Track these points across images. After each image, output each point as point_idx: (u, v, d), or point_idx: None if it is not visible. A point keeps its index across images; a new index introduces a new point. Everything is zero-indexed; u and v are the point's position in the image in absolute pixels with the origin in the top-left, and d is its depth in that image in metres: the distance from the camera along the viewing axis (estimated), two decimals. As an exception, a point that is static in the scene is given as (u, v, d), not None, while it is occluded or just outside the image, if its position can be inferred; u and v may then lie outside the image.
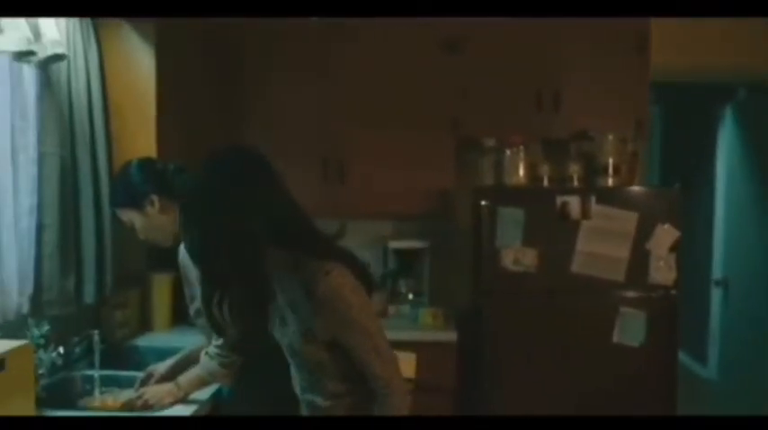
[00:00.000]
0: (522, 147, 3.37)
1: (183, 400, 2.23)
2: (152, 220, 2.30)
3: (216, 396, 2.35)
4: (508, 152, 3.39)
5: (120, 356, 2.83)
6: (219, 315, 1.72)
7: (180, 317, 3.28)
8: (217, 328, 1.82)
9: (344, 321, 1.70)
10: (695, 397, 3.24)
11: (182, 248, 2.21)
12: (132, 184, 2.28)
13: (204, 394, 2.30)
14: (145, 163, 2.35)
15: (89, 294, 2.65)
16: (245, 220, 1.61)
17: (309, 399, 1.86)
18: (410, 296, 3.70)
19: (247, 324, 1.80)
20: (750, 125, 4.65)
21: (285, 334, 1.80)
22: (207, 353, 2.18)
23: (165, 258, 2.95)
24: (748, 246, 4.54)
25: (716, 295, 5.04)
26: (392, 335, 3.17)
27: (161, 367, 2.42)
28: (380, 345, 1.74)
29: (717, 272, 5.04)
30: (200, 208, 1.65)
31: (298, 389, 1.91)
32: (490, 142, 3.47)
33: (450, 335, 3.29)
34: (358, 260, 1.82)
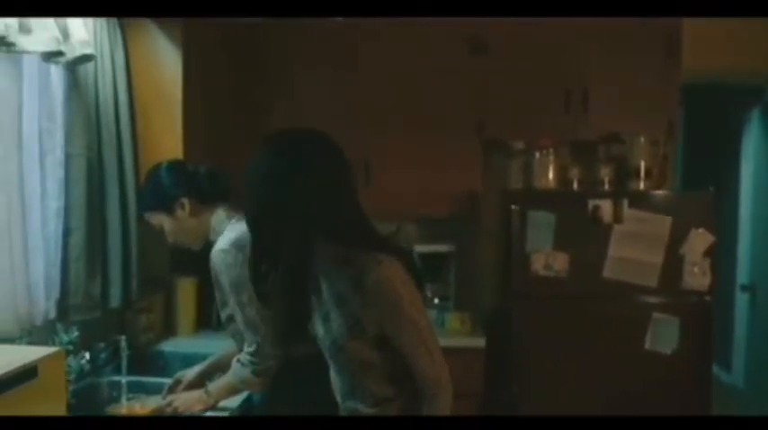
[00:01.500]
0: (551, 150, 3.31)
1: (213, 408, 2.19)
2: (182, 224, 2.25)
3: (246, 403, 2.30)
4: (537, 155, 3.33)
5: (145, 361, 2.79)
6: (265, 291, 1.75)
7: (204, 321, 3.25)
8: (263, 300, 1.84)
9: (394, 313, 1.65)
10: (720, 404, 3.17)
11: (213, 252, 2.17)
12: (162, 187, 2.24)
13: (234, 402, 2.25)
14: (175, 165, 2.30)
15: (115, 298, 2.60)
16: (305, 205, 1.60)
17: (352, 407, 1.80)
18: (435, 300, 3.64)
19: (288, 304, 1.75)
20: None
21: (329, 331, 1.74)
22: (239, 360, 2.14)
23: (188, 262, 2.92)
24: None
25: (742, 300, 4.97)
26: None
27: (189, 373, 2.38)
28: (430, 341, 1.70)
29: (743, 276, 4.97)
30: (265, 181, 1.63)
31: (339, 397, 1.86)
32: (519, 145, 3.41)
33: (478, 341, 3.24)
34: (409, 254, 1.82)
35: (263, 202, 1.62)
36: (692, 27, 3.44)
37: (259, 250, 1.70)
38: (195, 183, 2.25)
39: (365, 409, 1.76)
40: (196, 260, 2.49)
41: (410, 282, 1.69)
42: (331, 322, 1.73)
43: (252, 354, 2.09)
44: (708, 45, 3.64)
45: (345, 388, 1.81)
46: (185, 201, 2.23)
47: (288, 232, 1.62)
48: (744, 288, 4.84)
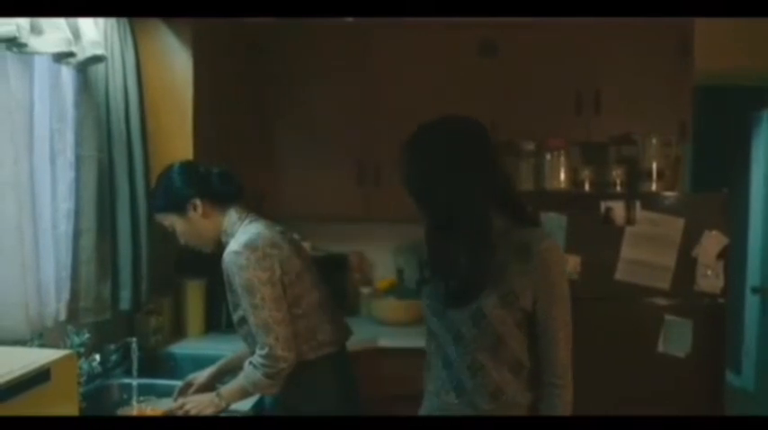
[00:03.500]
0: (562, 151, 3.28)
1: (225, 411, 2.17)
2: (194, 225, 2.24)
3: (258, 407, 2.29)
4: (548, 156, 3.30)
5: (155, 364, 2.79)
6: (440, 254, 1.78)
7: (213, 323, 3.24)
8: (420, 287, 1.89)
9: (553, 285, 1.71)
10: (730, 406, 3.14)
11: (225, 254, 2.15)
12: (174, 188, 2.22)
13: (246, 405, 2.23)
14: (187, 166, 2.29)
15: (125, 300, 2.59)
16: (484, 177, 1.72)
17: (468, 401, 1.76)
18: (445, 302, 3.62)
19: (463, 270, 1.73)
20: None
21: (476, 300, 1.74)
22: (251, 363, 2.12)
23: (198, 264, 2.91)
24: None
25: (752, 303, 4.94)
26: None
27: (200, 376, 2.37)
28: (569, 329, 1.74)
29: (754, 279, 4.94)
30: (445, 151, 1.74)
31: (448, 394, 1.80)
32: (529, 146, 3.37)
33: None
34: None
35: (444, 175, 1.71)
36: (702, 28, 3.42)
37: (435, 229, 1.78)
38: (207, 184, 2.24)
39: (483, 405, 1.74)
40: (205, 262, 2.48)
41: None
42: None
43: (264, 357, 2.07)
44: (718, 46, 3.62)
45: (464, 376, 1.77)
46: (197, 202, 2.21)
47: (470, 203, 1.70)
48: (754, 290, 4.81)
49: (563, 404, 1.71)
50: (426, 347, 1.91)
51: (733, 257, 3.10)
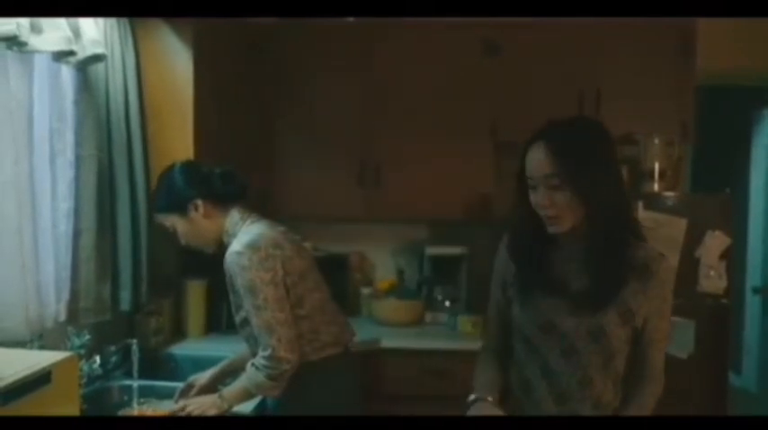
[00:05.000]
0: (564, 152, 3.26)
1: (227, 412, 2.15)
2: (196, 226, 2.22)
3: (260, 408, 2.27)
4: (550, 156, 3.28)
5: (156, 365, 2.77)
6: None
7: (214, 324, 3.22)
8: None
9: (665, 306, 1.73)
10: (731, 407, 3.13)
11: (227, 255, 2.14)
12: (176, 188, 2.20)
13: (248, 406, 2.22)
14: (189, 166, 2.27)
15: (125, 301, 2.57)
16: (619, 182, 1.69)
17: (572, 409, 1.72)
18: (446, 303, 3.61)
19: (588, 284, 1.69)
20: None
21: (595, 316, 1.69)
22: (254, 364, 2.10)
23: (198, 264, 2.90)
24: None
25: (753, 303, 4.93)
26: (430, 343, 3.15)
27: (202, 378, 2.36)
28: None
29: (754, 279, 4.93)
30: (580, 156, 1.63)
31: (550, 403, 1.74)
32: (531, 146, 3.36)
33: (491, 345, 3.20)
34: None
35: (595, 176, 1.62)
36: (704, 28, 3.40)
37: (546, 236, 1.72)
38: (209, 184, 2.22)
39: (584, 413, 1.72)
40: (206, 262, 2.46)
41: None
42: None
43: (267, 358, 2.06)
44: (719, 46, 3.61)
45: (569, 388, 1.72)
46: (199, 202, 2.19)
47: (612, 212, 1.65)
48: (755, 290, 4.80)
49: (650, 406, 1.74)
50: (512, 350, 1.84)
51: (734, 257, 3.08)
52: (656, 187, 3.21)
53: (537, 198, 1.65)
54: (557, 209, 1.63)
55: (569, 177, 1.59)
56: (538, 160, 1.63)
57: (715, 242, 3.03)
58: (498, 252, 1.89)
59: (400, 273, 3.82)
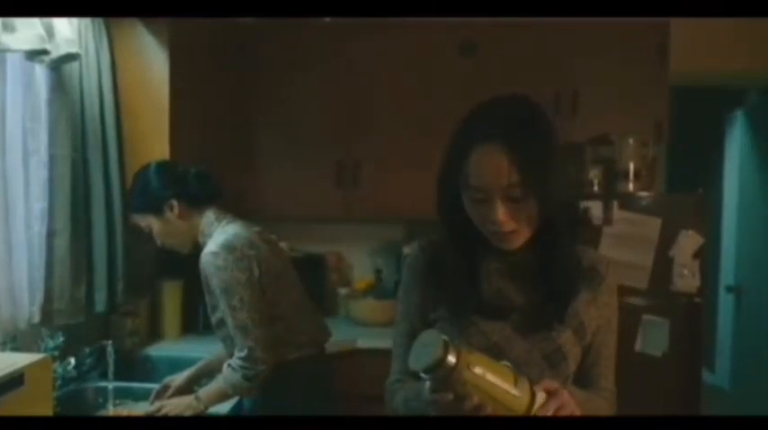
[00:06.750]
0: (540, 152, 3.28)
1: (203, 414, 2.14)
2: (171, 226, 2.21)
3: (236, 409, 2.26)
4: (526, 156, 3.30)
5: (131, 366, 2.75)
6: None
7: (191, 325, 3.21)
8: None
9: (614, 319, 1.46)
10: (705, 405, 3.17)
11: (203, 255, 2.13)
12: (151, 188, 2.19)
13: (224, 407, 2.21)
14: (164, 166, 2.26)
15: (100, 302, 2.55)
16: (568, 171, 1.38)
17: None
18: (424, 303, 3.61)
19: (539, 299, 1.39)
20: (763, 129, 4.60)
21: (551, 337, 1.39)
22: (230, 365, 2.09)
23: (174, 265, 2.88)
24: (762, 253, 4.48)
25: (727, 302, 4.99)
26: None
27: (178, 379, 2.35)
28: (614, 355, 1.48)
29: (728, 278, 4.99)
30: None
31: None
32: (507, 146, 3.37)
33: (468, 344, 3.21)
34: None
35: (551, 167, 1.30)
36: (678, 30, 3.44)
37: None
38: (185, 184, 2.21)
39: None
40: (182, 263, 2.45)
41: None
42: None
43: (243, 359, 2.06)
44: (693, 48, 3.66)
45: None
46: (174, 202, 2.19)
47: (563, 210, 1.34)
48: (729, 289, 4.86)
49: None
50: None
51: (707, 257, 3.12)
52: (630, 187, 3.24)
53: (488, 213, 1.30)
54: (515, 224, 1.30)
55: (534, 185, 1.26)
56: (494, 168, 1.27)
57: (689, 241, 3.06)
58: (411, 272, 1.51)
59: (378, 272, 3.82)
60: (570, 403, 1.22)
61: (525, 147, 1.26)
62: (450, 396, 1.15)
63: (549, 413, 1.19)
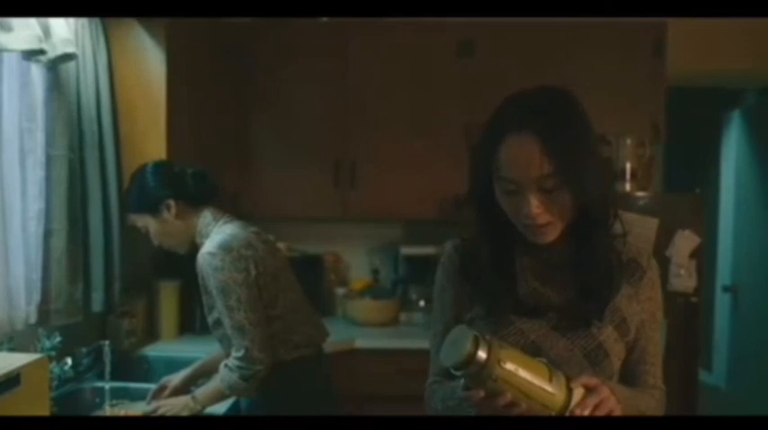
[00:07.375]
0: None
1: (200, 414, 2.14)
2: (168, 226, 2.21)
3: (233, 409, 2.26)
4: (524, 156, 3.30)
5: (128, 367, 2.74)
6: None
7: (187, 325, 3.21)
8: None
9: (659, 313, 1.41)
10: (702, 404, 3.17)
11: (200, 256, 2.13)
12: (148, 188, 2.19)
13: (221, 407, 2.21)
14: (161, 166, 2.26)
15: (97, 302, 2.55)
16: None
17: None
18: (421, 303, 3.62)
19: (579, 296, 1.36)
20: (760, 130, 4.60)
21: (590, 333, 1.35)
22: (227, 365, 2.09)
23: (171, 265, 2.88)
24: (759, 253, 4.49)
25: (724, 301, 5.00)
26: (405, 343, 3.16)
27: (175, 379, 2.34)
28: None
29: (725, 278, 5.00)
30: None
31: None
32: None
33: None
34: None
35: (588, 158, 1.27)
36: (674, 30, 3.45)
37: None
38: (182, 184, 2.21)
39: None
40: (179, 263, 2.45)
41: None
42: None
43: (240, 359, 2.05)
44: (689, 48, 3.66)
45: None
46: (171, 202, 2.18)
47: (601, 203, 1.32)
48: (725, 289, 4.87)
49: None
50: None
51: (704, 256, 3.13)
52: (627, 187, 3.25)
53: (521, 205, 1.27)
54: (549, 216, 1.27)
55: (569, 176, 1.23)
56: (526, 158, 1.23)
57: (685, 241, 3.07)
58: (445, 272, 1.48)
59: (375, 273, 3.82)
60: (611, 399, 1.20)
61: (557, 137, 1.23)
62: (482, 393, 1.14)
63: (588, 410, 1.17)
